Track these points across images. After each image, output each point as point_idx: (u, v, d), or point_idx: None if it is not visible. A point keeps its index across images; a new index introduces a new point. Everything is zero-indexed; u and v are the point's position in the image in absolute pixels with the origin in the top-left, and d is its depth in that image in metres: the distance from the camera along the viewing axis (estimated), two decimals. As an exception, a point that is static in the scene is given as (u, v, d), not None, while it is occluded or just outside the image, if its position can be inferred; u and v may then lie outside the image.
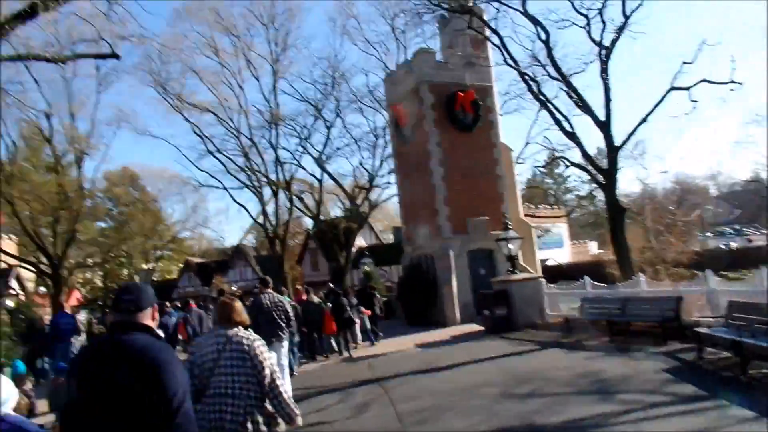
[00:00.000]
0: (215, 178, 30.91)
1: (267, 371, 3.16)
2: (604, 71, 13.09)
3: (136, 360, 2.08)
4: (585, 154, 13.27)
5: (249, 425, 3.06)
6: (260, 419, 3.13)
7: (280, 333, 7.67)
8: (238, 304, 3.43)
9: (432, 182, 18.43)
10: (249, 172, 29.43)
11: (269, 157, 29.26)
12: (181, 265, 52.37)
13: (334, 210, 37.73)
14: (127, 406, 2.01)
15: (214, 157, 29.82)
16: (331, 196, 35.76)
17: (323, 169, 31.01)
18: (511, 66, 13.78)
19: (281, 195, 29.91)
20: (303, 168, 43.25)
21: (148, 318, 2.31)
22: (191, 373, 3.07)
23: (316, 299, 12.88)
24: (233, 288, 37.79)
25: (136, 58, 35.24)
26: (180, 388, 2.10)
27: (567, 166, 16.96)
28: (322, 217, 33.57)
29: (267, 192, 30.14)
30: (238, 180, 30.34)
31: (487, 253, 18.55)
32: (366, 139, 30.94)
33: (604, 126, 12.96)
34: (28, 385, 8.61)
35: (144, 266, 50.01)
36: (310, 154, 31.14)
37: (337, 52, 52.28)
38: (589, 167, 14.02)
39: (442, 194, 18.24)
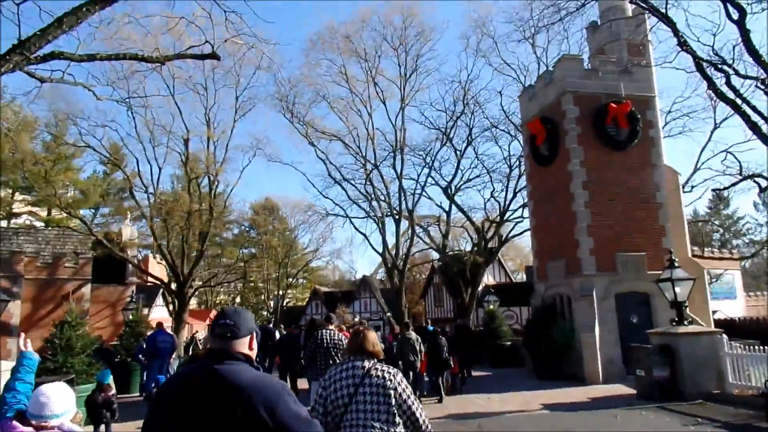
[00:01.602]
0: (340, 206, 30.71)
1: (418, 411, 2.88)
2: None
3: (242, 395, 1.93)
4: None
5: None
6: None
7: None
8: (372, 334, 3.20)
9: (573, 209, 15.49)
10: (372, 200, 28.62)
11: (394, 188, 28.33)
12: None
13: (462, 244, 35.64)
14: None
15: (340, 185, 29.62)
16: (459, 230, 33.80)
17: (452, 201, 29.36)
18: (687, 52, 10.70)
19: (404, 226, 28.62)
20: (430, 198, 42.17)
21: (246, 346, 2.15)
22: (324, 409, 2.90)
23: (414, 336, 10.88)
24: (356, 318, 37.11)
25: (272, 88, 36.94)
26: (307, 422, 2.01)
27: (763, 189, 13.02)
28: (448, 252, 31.64)
29: (390, 222, 29.12)
30: (362, 208, 29.75)
31: (641, 298, 14.98)
32: (499, 170, 28.88)
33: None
34: (111, 392, 8.42)
35: (276, 292, 52.05)
36: (439, 185, 29.79)
37: (470, 74, 50.94)
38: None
39: (585, 222, 15.19)
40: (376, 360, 3.04)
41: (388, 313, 32.66)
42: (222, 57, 10.27)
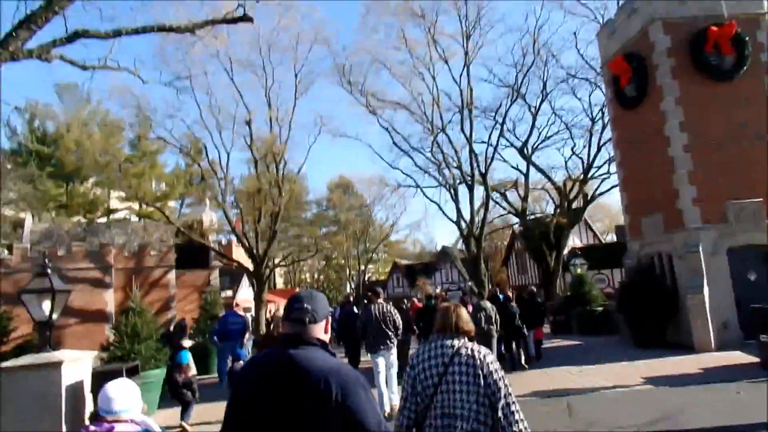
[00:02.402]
0: (410, 177, 29.80)
1: (503, 392, 2.69)
2: None
3: (316, 381, 1.88)
4: None
5: None
6: None
7: (388, 342, 8.07)
8: (464, 311, 2.99)
9: (669, 154, 13.46)
10: (442, 167, 27.39)
11: (465, 153, 26.90)
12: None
13: (544, 207, 33.58)
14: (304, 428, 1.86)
15: (407, 155, 28.60)
16: (539, 192, 31.77)
17: (529, 161, 27.49)
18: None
19: (479, 191, 27.19)
20: (504, 161, 40.14)
21: (322, 331, 2.10)
22: (413, 389, 2.80)
23: (488, 304, 10.11)
24: (436, 290, 36.37)
25: (330, 61, 36.35)
26: (378, 418, 1.91)
27: None
28: (529, 216, 29.82)
29: (464, 190, 27.78)
30: (433, 177, 28.63)
31: (760, 252, 12.84)
32: (579, 124, 26.65)
33: None
34: (191, 372, 8.51)
35: (357, 268, 52.58)
36: (513, 146, 27.94)
37: (538, 19, 47.57)
38: None
39: (685, 169, 13.15)
40: (466, 339, 2.88)
41: (470, 282, 31.57)
42: (269, 27, 9.61)
